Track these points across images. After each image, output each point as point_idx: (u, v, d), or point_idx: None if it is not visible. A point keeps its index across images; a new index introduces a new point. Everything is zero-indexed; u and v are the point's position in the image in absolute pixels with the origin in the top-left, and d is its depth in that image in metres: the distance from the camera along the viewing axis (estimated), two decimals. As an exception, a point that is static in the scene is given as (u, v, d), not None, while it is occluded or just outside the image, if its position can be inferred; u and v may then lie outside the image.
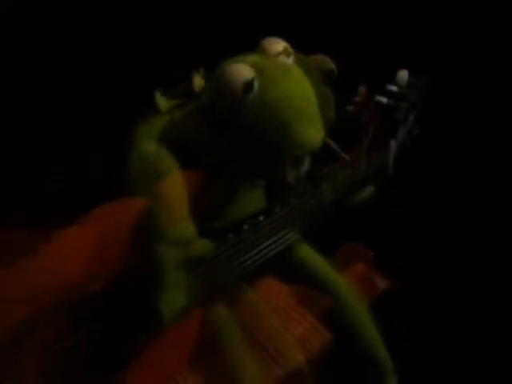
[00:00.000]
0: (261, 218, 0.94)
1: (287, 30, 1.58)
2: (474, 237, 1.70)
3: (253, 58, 0.91)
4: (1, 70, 1.48)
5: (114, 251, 0.83)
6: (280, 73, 0.90)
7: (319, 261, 1.10)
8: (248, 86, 0.84)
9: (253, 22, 1.67)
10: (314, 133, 0.90)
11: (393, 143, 1.18)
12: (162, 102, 1.01)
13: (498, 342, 1.55)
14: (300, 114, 0.88)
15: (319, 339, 1.02)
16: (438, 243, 1.71)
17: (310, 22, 1.76)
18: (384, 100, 1.21)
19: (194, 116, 0.96)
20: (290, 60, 0.94)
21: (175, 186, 0.86)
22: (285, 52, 0.93)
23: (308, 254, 1.10)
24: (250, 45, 0.96)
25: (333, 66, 0.97)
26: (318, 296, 1.07)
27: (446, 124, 1.67)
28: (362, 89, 1.24)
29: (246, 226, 0.92)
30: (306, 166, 0.96)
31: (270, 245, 0.97)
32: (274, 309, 1.06)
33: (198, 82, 0.98)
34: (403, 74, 1.23)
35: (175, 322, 0.84)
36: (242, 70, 0.85)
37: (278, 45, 0.93)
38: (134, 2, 1.62)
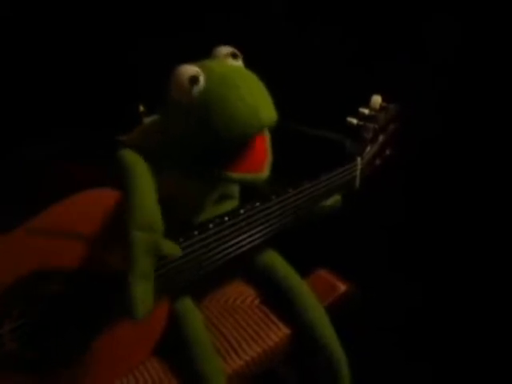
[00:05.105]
0: (226, 219, 1.01)
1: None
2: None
3: (201, 61, 0.98)
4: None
5: (87, 239, 0.91)
6: (225, 68, 0.96)
7: (282, 265, 1.18)
8: (193, 79, 0.91)
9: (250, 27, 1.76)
10: (259, 110, 0.93)
11: (358, 160, 1.23)
12: (144, 114, 1.11)
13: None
14: (243, 95, 0.91)
15: (278, 335, 1.10)
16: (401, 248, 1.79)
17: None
18: (354, 121, 1.28)
19: (160, 123, 1.05)
20: (239, 62, 1.00)
21: (146, 183, 0.93)
22: (232, 55, 0.99)
23: (272, 258, 1.19)
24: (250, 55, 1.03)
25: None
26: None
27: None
28: (376, 98, 1.31)
29: (211, 225, 0.99)
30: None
31: (233, 245, 1.03)
32: (238, 306, 1.15)
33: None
34: (377, 99, 1.30)
35: (147, 314, 0.88)
36: (187, 68, 0.92)
37: (225, 49, 0.99)
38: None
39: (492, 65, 1.68)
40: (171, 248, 0.92)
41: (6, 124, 1.61)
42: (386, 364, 1.57)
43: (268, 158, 1.02)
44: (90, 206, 0.92)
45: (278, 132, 1.00)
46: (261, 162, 1.00)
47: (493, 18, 1.65)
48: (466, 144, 1.73)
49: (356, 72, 1.77)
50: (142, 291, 0.86)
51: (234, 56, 0.99)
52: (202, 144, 0.95)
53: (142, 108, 1.11)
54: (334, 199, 1.22)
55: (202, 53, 0.99)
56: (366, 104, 1.32)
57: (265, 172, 1.01)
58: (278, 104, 1.00)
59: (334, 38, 1.82)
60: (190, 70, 0.92)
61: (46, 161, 1.14)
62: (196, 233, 0.97)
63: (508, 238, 1.71)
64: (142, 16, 1.80)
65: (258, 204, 1.05)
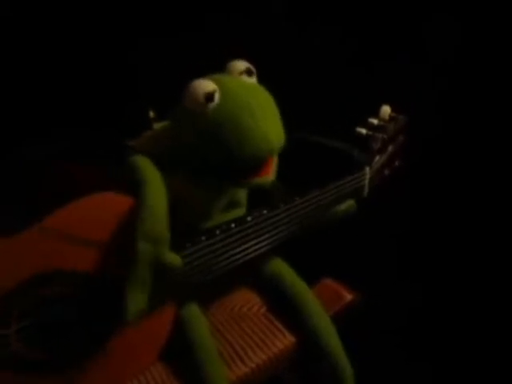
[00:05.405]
0: (233, 225, 1.01)
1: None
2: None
3: (217, 75, 1.00)
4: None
5: (91, 242, 0.91)
6: (239, 86, 0.98)
7: (289, 273, 1.18)
8: (209, 96, 0.93)
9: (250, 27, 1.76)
10: (270, 136, 0.97)
11: (367, 169, 1.23)
12: (154, 118, 1.11)
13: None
14: (256, 119, 0.95)
15: (284, 342, 1.10)
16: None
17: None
18: (363, 131, 1.28)
19: (170, 130, 1.05)
20: (253, 79, 1.02)
21: (158, 193, 0.94)
22: (247, 71, 1.01)
23: (279, 266, 1.19)
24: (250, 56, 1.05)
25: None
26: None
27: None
28: (385, 108, 1.31)
29: (218, 231, 0.99)
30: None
31: (240, 252, 1.03)
32: (245, 313, 1.15)
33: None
34: (386, 109, 1.29)
35: (137, 322, 0.91)
36: (204, 84, 0.94)
37: (240, 65, 1.01)
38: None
39: (492, 65, 1.68)
40: (173, 259, 0.93)
41: (6, 124, 1.60)
42: (387, 365, 1.58)
43: (274, 163, 1.05)
44: (94, 209, 0.92)
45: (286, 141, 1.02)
46: (268, 168, 1.02)
47: (493, 17, 1.66)
48: (466, 144, 1.74)
49: (356, 72, 1.77)
50: (138, 298, 0.89)
51: (249, 73, 1.01)
52: (213, 158, 0.97)
53: (152, 114, 1.11)
54: (348, 204, 1.22)
55: (201, 53, 0.99)
56: (366, 105, 1.32)
57: (271, 176, 1.04)
58: (278, 104, 1.02)
59: (333, 38, 1.82)
60: (206, 86, 0.94)
61: (46, 161, 1.13)
62: (203, 238, 0.98)
63: (508, 239, 1.72)
64: (142, 16, 1.79)
65: (265, 212, 1.06)
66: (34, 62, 1.70)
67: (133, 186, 0.95)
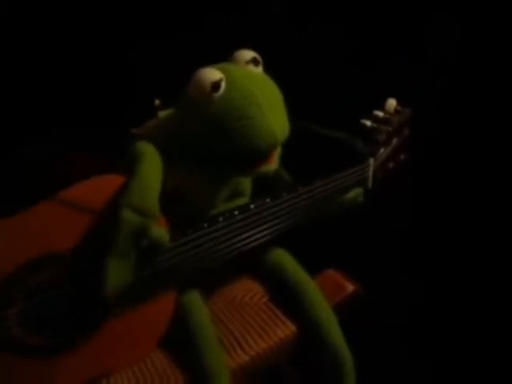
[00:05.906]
0: (236, 213, 1.01)
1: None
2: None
3: (223, 64, 1.00)
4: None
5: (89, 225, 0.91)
6: (245, 76, 0.98)
7: (291, 263, 1.18)
8: (215, 85, 0.92)
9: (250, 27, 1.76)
10: (275, 127, 0.96)
11: (371, 161, 1.23)
12: (159, 107, 1.11)
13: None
14: (262, 110, 0.94)
15: (285, 332, 1.10)
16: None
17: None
18: (368, 123, 1.27)
19: (175, 118, 1.05)
20: (259, 68, 1.02)
21: (152, 166, 0.95)
22: (253, 61, 1.01)
23: (281, 256, 1.19)
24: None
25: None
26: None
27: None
28: (391, 102, 1.31)
29: (221, 219, 0.99)
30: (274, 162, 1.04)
31: (242, 240, 1.03)
32: (246, 303, 1.15)
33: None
34: (392, 102, 1.29)
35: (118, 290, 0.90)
36: (210, 72, 0.94)
37: (246, 55, 1.01)
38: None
39: (492, 65, 1.68)
40: (160, 234, 0.92)
41: (6, 124, 1.60)
42: (388, 360, 1.57)
43: (277, 152, 1.05)
44: (94, 192, 0.93)
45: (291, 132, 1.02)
46: (271, 157, 1.02)
47: (493, 17, 1.66)
48: (466, 144, 1.74)
49: (356, 72, 1.77)
50: (117, 270, 0.88)
51: (255, 62, 1.01)
52: (218, 148, 0.97)
53: (157, 102, 1.11)
54: (356, 192, 1.22)
55: (201, 53, 0.98)
56: (367, 105, 1.32)
57: (274, 164, 1.04)
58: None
59: (333, 38, 1.82)
60: (212, 74, 0.94)
61: (45, 161, 1.13)
62: (206, 225, 0.98)
63: (509, 236, 1.71)
64: (142, 16, 1.79)
65: (268, 200, 1.06)
66: (33, 62, 1.70)
67: (129, 163, 0.95)
